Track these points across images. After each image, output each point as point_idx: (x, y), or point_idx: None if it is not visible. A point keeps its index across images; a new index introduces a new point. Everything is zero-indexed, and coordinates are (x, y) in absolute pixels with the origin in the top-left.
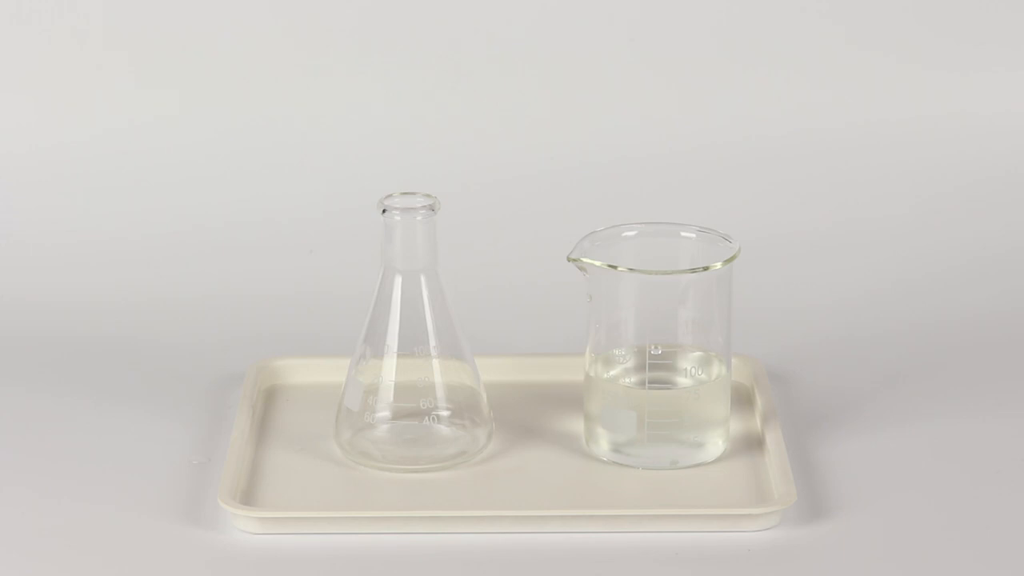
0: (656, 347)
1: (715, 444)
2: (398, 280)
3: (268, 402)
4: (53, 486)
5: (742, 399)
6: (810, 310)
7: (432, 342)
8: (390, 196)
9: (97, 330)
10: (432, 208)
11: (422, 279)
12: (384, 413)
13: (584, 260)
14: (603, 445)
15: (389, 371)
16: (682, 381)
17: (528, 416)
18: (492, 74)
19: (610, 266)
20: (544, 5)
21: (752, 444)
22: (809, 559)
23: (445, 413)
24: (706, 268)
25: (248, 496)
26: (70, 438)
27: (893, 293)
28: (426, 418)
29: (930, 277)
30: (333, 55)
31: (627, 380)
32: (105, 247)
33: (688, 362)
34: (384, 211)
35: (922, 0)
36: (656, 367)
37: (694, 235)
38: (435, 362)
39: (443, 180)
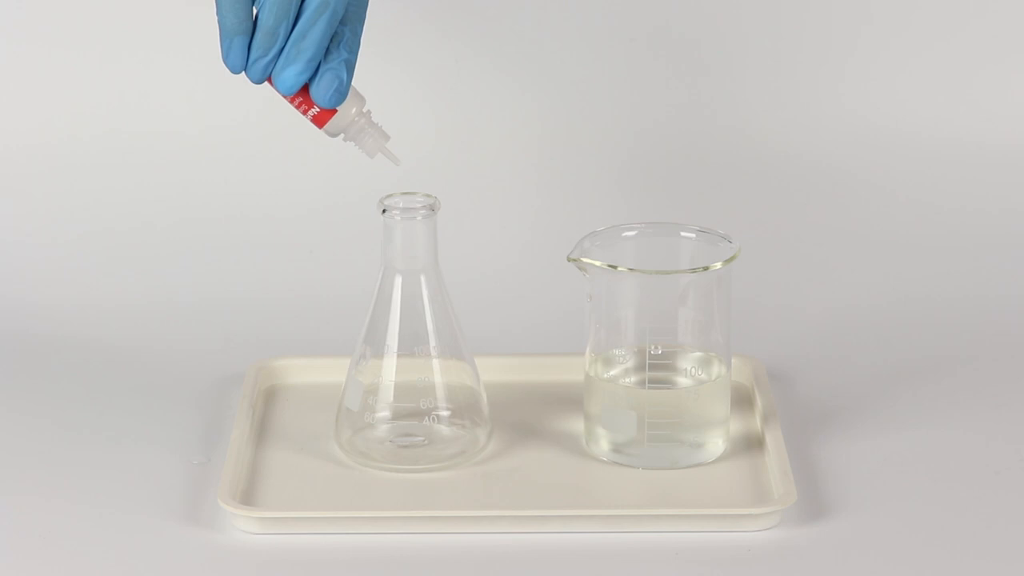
0: (656, 347)
1: (715, 444)
2: (398, 280)
3: (268, 402)
4: (53, 486)
5: (742, 399)
6: (810, 310)
7: (432, 342)
8: (390, 196)
9: (96, 330)
10: (432, 208)
11: (422, 279)
12: (384, 413)
13: (584, 260)
14: (603, 445)
15: (389, 371)
16: (682, 381)
17: (528, 416)
18: (492, 72)
19: (610, 266)
20: (545, 4)
21: (752, 444)
22: (809, 559)
23: (445, 413)
24: (706, 268)
25: (248, 496)
26: (70, 438)
27: (893, 293)
28: (426, 418)
29: (930, 277)
30: None
31: (627, 380)
32: (105, 247)
33: (688, 362)
34: (384, 211)
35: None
36: (656, 367)
37: (694, 235)
38: (435, 362)
39: (443, 180)
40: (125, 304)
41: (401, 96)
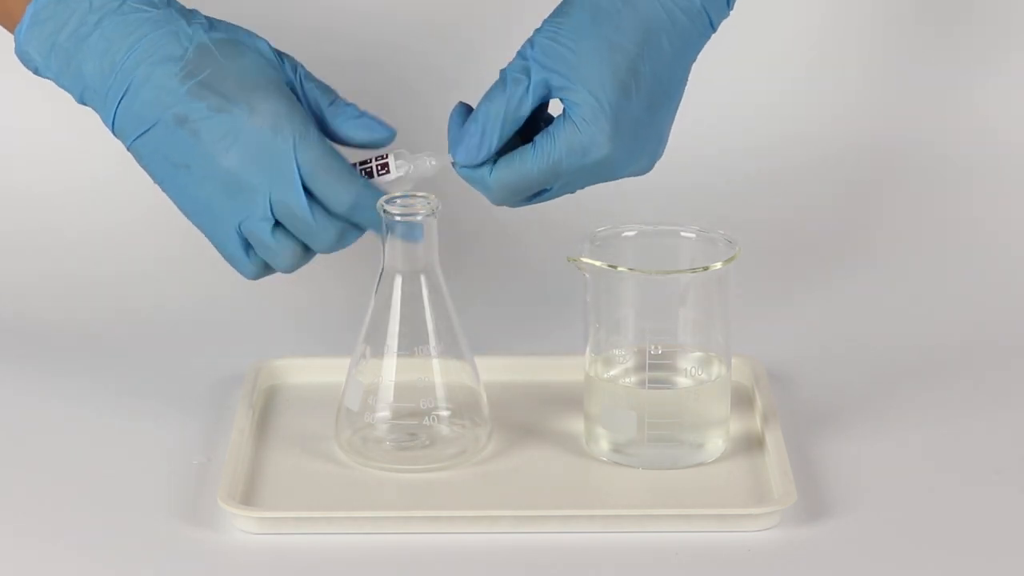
0: (656, 347)
1: (715, 444)
2: (398, 280)
3: (268, 402)
4: (53, 485)
5: (742, 399)
6: (810, 310)
7: (432, 342)
8: (390, 197)
9: (97, 331)
10: (432, 209)
11: (422, 279)
12: (384, 413)
13: (584, 260)
14: (603, 445)
15: (389, 371)
16: (682, 381)
17: (528, 416)
18: (492, 70)
19: (610, 266)
20: (546, 3)
21: (752, 444)
22: (809, 559)
23: (445, 413)
24: (706, 268)
25: (248, 496)
26: (70, 438)
27: (893, 293)
28: (426, 418)
29: (930, 277)
30: (334, 51)
31: (627, 380)
32: (105, 246)
33: (688, 362)
34: (384, 212)
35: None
36: (656, 367)
37: (694, 235)
38: (435, 362)
39: (443, 179)
40: (125, 304)
41: (402, 95)
